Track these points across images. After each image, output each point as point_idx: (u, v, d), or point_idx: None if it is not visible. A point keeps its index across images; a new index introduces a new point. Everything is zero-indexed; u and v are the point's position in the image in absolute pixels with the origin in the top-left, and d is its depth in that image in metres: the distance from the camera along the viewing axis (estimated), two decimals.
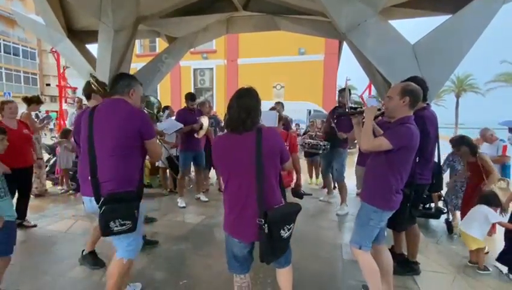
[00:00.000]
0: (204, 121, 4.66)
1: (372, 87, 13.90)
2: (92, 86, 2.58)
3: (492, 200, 3.05)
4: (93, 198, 1.84)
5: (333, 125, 4.23)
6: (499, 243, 3.44)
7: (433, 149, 2.58)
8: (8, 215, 2.20)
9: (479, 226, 2.97)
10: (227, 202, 1.75)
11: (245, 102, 1.68)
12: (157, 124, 4.28)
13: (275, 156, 1.70)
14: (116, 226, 1.76)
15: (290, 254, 1.86)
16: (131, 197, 1.85)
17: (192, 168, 5.09)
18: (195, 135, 4.55)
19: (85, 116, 1.93)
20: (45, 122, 5.19)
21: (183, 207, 4.54)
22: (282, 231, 1.62)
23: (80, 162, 1.98)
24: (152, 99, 4.79)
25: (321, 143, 4.24)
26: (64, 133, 5.46)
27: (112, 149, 1.81)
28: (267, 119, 2.51)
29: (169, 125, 4.35)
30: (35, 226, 3.65)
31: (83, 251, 2.75)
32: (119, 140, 1.82)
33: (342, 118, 4.07)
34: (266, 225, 1.56)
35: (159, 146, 2.03)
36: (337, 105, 4.59)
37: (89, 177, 1.82)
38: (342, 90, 4.57)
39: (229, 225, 1.74)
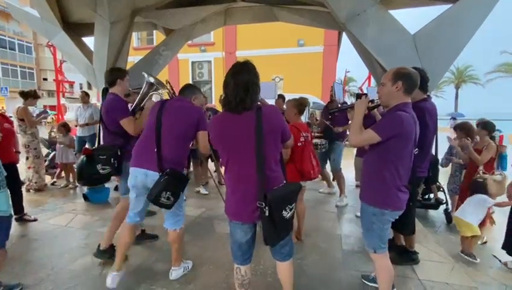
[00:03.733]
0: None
1: (372, 79, 13.85)
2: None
3: (480, 189, 3.03)
4: (149, 171, 2.10)
5: (328, 122, 4.56)
6: (497, 233, 3.47)
7: (431, 141, 2.56)
8: (1, 210, 2.10)
9: (474, 212, 2.99)
10: (228, 184, 1.71)
11: (243, 78, 1.57)
12: None
13: (276, 135, 1.63)
14: (164, 198, 2.05)
15: (291, 247, 1.83)
16: (186, 179, 2.23)
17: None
18: None
19: (156, 105, 2.25)
20: (42, 116, 5.12)
21: (183, 200, 4.55)
22: (284, 212, 1.57)
23: (139, 141, 2.27)
24: None
25: (319, 143, 4.25)
26: (62, 127, 5.42)
27: (176, 133, 2.13)
28: (265, 91, 2.49)
29: None
30: (35, 220, 3.66)
31: (99, 245, 2.66)
32: (182, 129, 2.16)
33: (335, 114, 4.30)
34: (267, 208, 1.51)
35: (207, 140, 2.15)
36: (329, 101, 4.83)
37: (155, 150, 2.09)
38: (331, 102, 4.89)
39: (230, 207, 1.70)
